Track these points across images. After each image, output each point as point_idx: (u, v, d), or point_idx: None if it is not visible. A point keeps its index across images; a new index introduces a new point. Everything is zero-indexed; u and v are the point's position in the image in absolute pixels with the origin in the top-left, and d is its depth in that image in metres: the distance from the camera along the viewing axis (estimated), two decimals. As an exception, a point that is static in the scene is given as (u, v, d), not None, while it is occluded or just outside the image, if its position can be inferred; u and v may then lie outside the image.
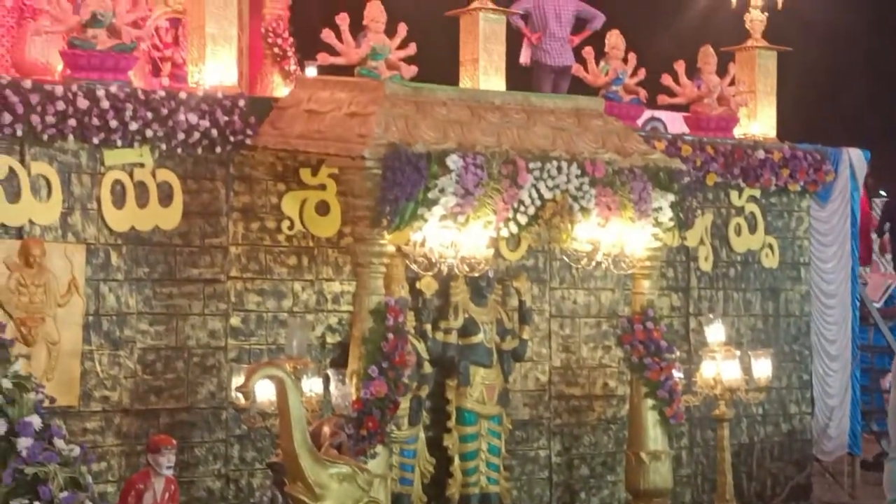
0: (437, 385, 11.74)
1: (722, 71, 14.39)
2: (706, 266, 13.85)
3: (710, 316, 13.13)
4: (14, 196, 10.39)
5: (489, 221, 10.47)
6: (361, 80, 11.59)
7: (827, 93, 19.56)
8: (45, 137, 10.49)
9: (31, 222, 10.47)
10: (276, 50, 16.72)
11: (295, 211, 11.54)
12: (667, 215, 11.15)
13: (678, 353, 12.25)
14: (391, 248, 10.47)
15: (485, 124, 10.86)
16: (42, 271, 10.36)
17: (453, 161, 10.18)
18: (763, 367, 12.68)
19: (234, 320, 11.33)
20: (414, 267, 10.74)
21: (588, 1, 15.30)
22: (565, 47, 14.97)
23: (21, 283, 10.26)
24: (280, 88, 16.32)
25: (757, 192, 14.21)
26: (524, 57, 15.22)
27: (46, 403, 8.06)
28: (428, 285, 11.51)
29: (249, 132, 11.28)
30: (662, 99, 14.36)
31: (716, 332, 12.62)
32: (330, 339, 11.68)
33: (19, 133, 10.38)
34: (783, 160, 14.22)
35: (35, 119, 10.39)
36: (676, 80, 14.14)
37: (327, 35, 12.07)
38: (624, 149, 11.30)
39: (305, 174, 11.54)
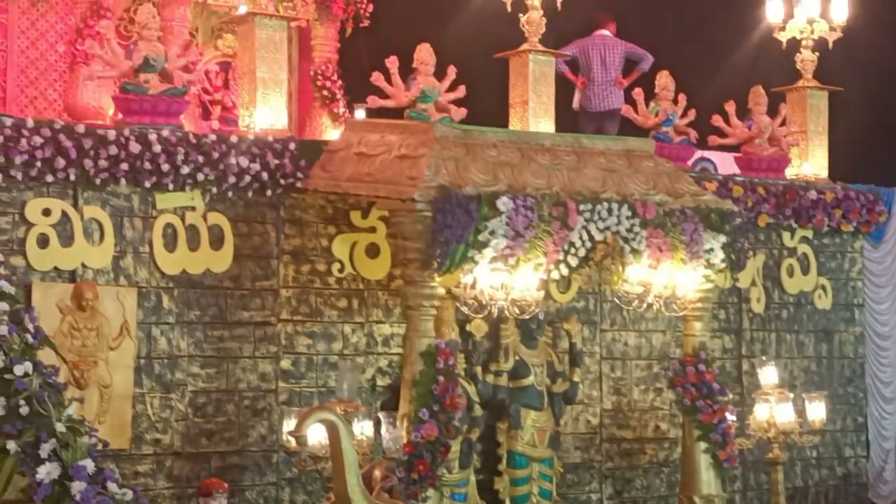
0: (487, 428, 11.72)
1: (773, 111, 14.36)
2: (758, 308, 13.80)
3: (763, 358, 13.09)
4: (67, 240, 10.49)
5: (540, 263, 10.45)
6: (411, 123, 11.64)
7: (879, 132, 19.41)
8: (98, 181, 10.59)
9: (83, 266, 10.56)
10: (325, 93, 16.86)
11: (345, 253, 11.59)
12: (718, 257, 11.10)
13: (731, 396, 12.14)
14: (441, 291, 10.47)
15: (535, 166, 10.86)
16: (94, 315, 10.43)
17: (504, 203, 10.17)
18: (817, 410, 12.60)
19: (285, 363, 11.37)
20: (464, 309, 10.73)
21: (637, 42, 15.35)
22: (610, 91, 15.05)
23: (74, 327, 10.33)
24: (329, 131, 16.43)
25: (809, 233, 14.15)
26: (574, 101, 15.31)
27: (99, 447, 8.10)
28: (478, 328, 11.51)
29: (300, 175, 11.34)
30: (713, 140, 14.36)
31: (769, 374, 12.57)
32: (380, 382, 11.69)
33: (72, 177, 10.48)
34: (836, 201, 14.17)
35: (88, 163, 10.49)
36: (727, 120, 14.15)
37: (377, 78, 12.16)
38: (675, 190, 11.28)
39: (356, 217, 11.59)
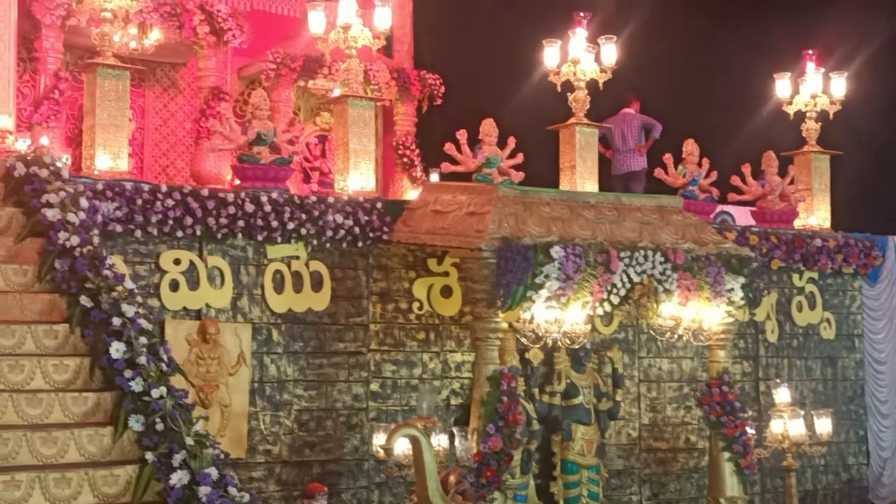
0: (544, 440, 11.59)
1: (783, 172, 14.27)
2: (772, 338, 13.65)
3: (777, 381, 12.94)
4: (194, 284, 10.60)
5: (587, 302, 10.43)
6: (478, 185, 11.65)
7: (874, 188, 19.23)
8: (219, 236, 10.70)
9: (207, 306, 10.66)
10: (405, 160, 16.90)
11: (423, 294, 11.61)
12: (738, 295, 11.01)
13: (750, 413, 11.99)
14: (504, 325, 10.45)
15: (582, 220, 10.84)
16: (216, 346, 10.51)
17: (556, 251, 10.16)
18: (824, 425, 12.43)
19: (374, 386, 11.38)
20: (523, 340, 10.73)
21: (665, 113, 15.33)
22: (629, 157, 15.12)
23: (199, 357, 10.42)
24: (409, 191, 16.46)
25: (815, 275, 14.00)
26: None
27: (221, 457, 8.12)
28: (535, 355, 11.44)
29: (385, 229, 11.38)
30: (732, 196, 14.29)
31: (782, 394, 12.42)
32: (454, 402, 11.67)
33: (198, 232, 10.60)
34: (837, 247, 14.02)
35: (211, 221, 10.61)
36: (744, 180, 14.07)
37: (449, 148, 12.21)
38: (700, 239, 11.21)
39: (432, 263, 11.61)
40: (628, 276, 10.52)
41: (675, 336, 11.17)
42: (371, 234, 11.34)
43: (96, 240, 9.22)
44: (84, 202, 9.56)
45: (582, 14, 13.02)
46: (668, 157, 13.51)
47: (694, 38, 19.16)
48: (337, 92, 13.10)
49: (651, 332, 11.67)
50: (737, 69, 18.67)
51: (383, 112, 16.68)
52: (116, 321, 8.42)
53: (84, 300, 8.60)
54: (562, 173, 13.30)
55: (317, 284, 11.14)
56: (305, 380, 11.07)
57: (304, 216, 11.01)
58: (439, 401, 11.46)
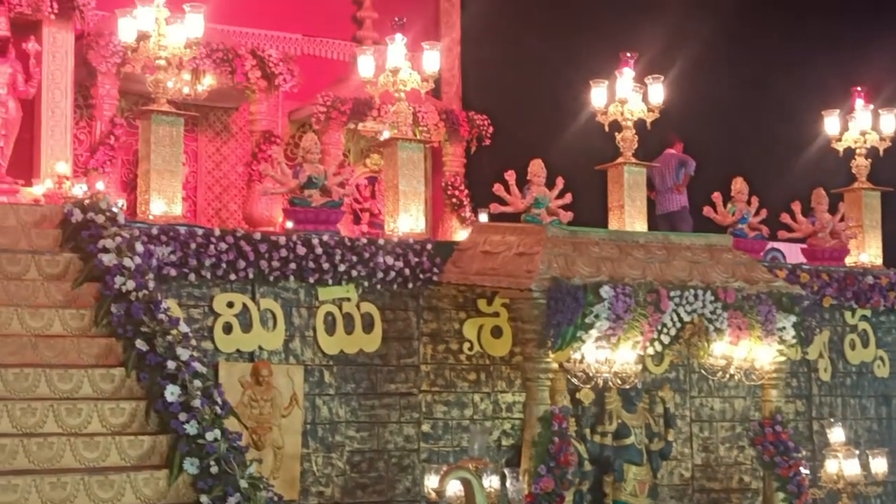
0: (596, 481, 11.54)
1: (833, 209, 14.16)
2: (825, 376, 13.49)
3: (831, 420, 12.80)
4: (247, 327, 10.66)
5: (637, 341, 10.39)
6: (527, 226, 11.68)
7: (925, 224, 19.05)
8: (272, 278, 10.77)
9: (260, 348, 10.71)
10: (454, 200, 16.96)
11: (474, 334, 11.60)
12: (790, 334, 10.91)
13: (804, 453, 11.87)
14: (555, 365, 10.45)
15: (631, 260, 10.82)
16: (269, 388, 10.54)
17: (606, 291, 10.15)
18: (880, 464, 12.28)
19: (425, 427, 11.36)
20: (574, 380, 10.70)
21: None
22: (669, 197, 15.14)
23: (253, 399, 10.46)
24: (458, 232, 16.51)
25: (868, 312, 13.83)
26: None
27: (275, 499, 8.15)
28: (586, 395, 11.42)
29: (435, 270, 11.40)
30: (782, 234, 14.18)
31: (837, 433, 12.30)
32: (505, 442, 11.60)
33: (251, 275, 10.67)
34: (890, 284, 13.85)
35: (263, 264, 10.68)
36: (794, 217, 13.97)
37: (498, 189, 12.24)
38: (751, 277, 11.15)
39: (482, 304, 11.60)
40: (679, 315, 10.48)
41: (727, 375, 11.08)
42: (421, 276, 11.36)
43: (151, 284, 9.33)
44: (139, 247, 9.70)
45: (629, 54, 13.04)
46: (716, 196, 13.46)
47: (741, 76, 19.11)
48: (386, 134, 13.18)
49: (702, 371, 11.59)
50: (785, 107, 18.58)
51: (432, 153, 16.75)
52: (171, 364, 8.52)
53: (140, 344, 8.70)
54: (610, 213, 13.29)
55: (368, 326, 11.16)
56: (357, 421, 11.07)
57: (355, 258, 11.05)
58: (490, 442, 11.42)
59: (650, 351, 10.65)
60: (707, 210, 13.55)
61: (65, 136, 14.10)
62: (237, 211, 16.45)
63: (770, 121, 19.04)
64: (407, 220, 12.08)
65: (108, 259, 9.34)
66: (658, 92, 13.10)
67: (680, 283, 10.62)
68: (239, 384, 10.40)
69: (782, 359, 11.18)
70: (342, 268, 10.98)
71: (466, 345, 11.56)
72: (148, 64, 11.70)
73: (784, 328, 10.89)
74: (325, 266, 10.90)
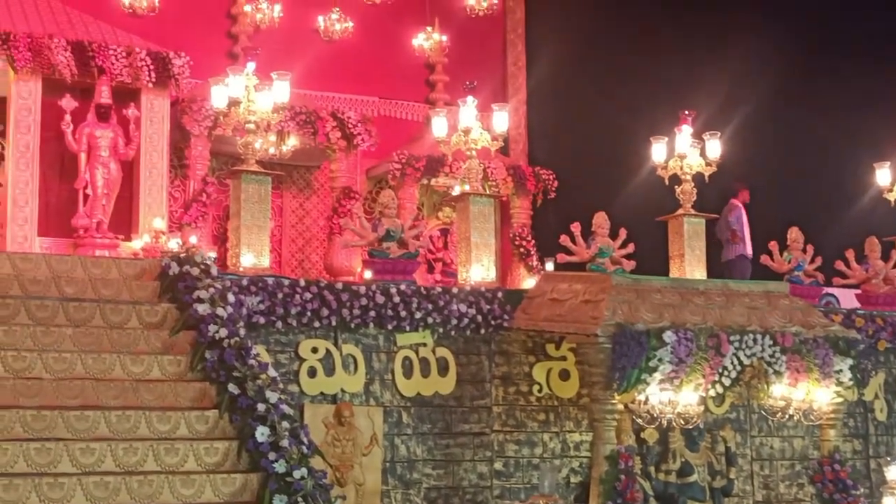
0: (660, 517, 11.47)
1: (885, 256, 13.94)
2: (881, 416, 13.23)
3: (888, 458, 12.56)
4: (330, 371, 10.73)
5: (699, 384, 10.33)
6: (592, 275, 11.66)
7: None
8: (353, 325, 10.84)
9: (342, 391, 10.77)
10: (521, 250, 17.02)
11: (543, 377, 11.56)
12: (846, 376, 10.78)
13: (862, 490, 11.66)
14: (620, 406, 10.40)
15: (692, 306, 10.76)
16: (351, 428, 10.58)
17: (668, 336, 10.11)
18: (936, 501, 11.99)
19: (498, 465, 11.33)
20: (639, 421, 10.63)
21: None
22: (727, 245, 15.03)
23: (336, 438, 10.49)
24: (525, 280, 16.54)
25: (922, 354, 13.61)
26: None
27: (357, 533, 8.21)
28: (651, 435, 11.32)
29: (506, 317, 11.39)
30: (836, 280, 14.00)
31: (893, 472, 12.01)
32: (573, 480, 11.53)
33: (333, 322, 10.76)
34: (941, 328, 13.62)
35: (345, 312, 10.76)
36: (847, 265, 13.79)
37: (564, 240, 12.25)
38: (807, 322, 11.03)
39: (550, 348, 11.57)
40: (738, 358, 10.40)
41: (786, 416, 10.96)
42: (493, 322, 11.37)
43: (242, 331, 9.43)
44: (231, 297, 9.84)
45: (687, 112, 13.05)
46: (773, 245, 13.35)
47: (795, 130, 18.99)
48: (457, 189, 13.29)
49: (762, 411, 11.48)
50: (838, 159, 18.43)
51: (500, 206, 16.84)
52: (261, 407, 8.58)
53: (232, 388, 8.78)
54: (671, 262, 13.23)
55: (443, 369, 11.19)
56: (433, 459, 11.07)
57: (430, 306, 11.10)
58: (560, 479, 11.34)
59: (712, 392, 10.56)
60: (764, 258, 13.44)
61: (161, 194, 14.42)
62: (319, 262, 16.63)
63: (824, 172, 18.88)
64: (479, 269, 12.13)
65: (202, 309, 9.48)
66: (715, 147, 13.07)
67: (739, 328, 10.54)
68: (323, 425, 10.45)
69: (839, 400, 11.04)
70: (419, 315, 11.04)
71: (536, 387, 11.53)
72: (238, 127, 11.94)
73: (841, 371, 10.77)
74: (403, 314, 10.96)
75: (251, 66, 11.58)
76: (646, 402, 10.39)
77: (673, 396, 10.36)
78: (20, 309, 9.30)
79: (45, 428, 8.18)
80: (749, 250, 15.29)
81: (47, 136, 13.93)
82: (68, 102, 13.90)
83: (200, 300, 9.57)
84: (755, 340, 10.46)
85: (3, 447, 7.87)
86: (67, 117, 13.89)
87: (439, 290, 11.33)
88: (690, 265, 12.97)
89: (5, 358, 8.71)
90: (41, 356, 8.84)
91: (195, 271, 9.97)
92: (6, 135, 14.10)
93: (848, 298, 16.05)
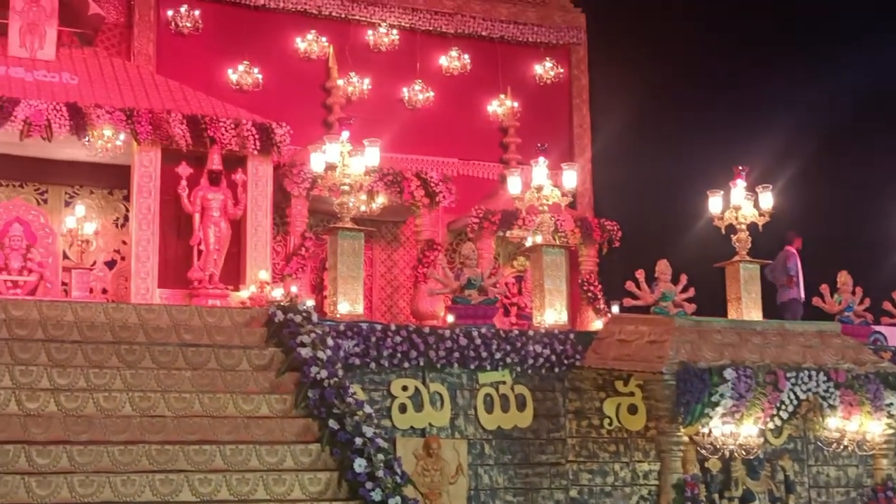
0: (724, 542, 11.25)
1: (929, 296, 13.68)
2: (931, 446, 12.89)
3: (939, 485, 12.18)
4: (419, 407, 10.76)
5: (758, 417, 10.18)
6: (657, 317, 11.57)
7: None
8: (439, 366, 10.86)
9: (430, 425, 10.77)
10: (589, 294, 16.92)
11: (613, 411, 11.47)
12: (897, 409, 10.57)
13: (915, 516, 11.35)
14: (685, 438, 10.28)
15: (750, 345, 10.63)
16: (438, 459, 10.58)
17: (729, 373, 10.00)
18: None
19: (573, 492, 11.21)
20: (703, 451, 10.49)
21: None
22: (781, 290, 14.82)
23: (425, 469, 10.50)
24: (594, 322, 16.44)
25: (967, 387, 13.21)
26: None
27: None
28: (714, 465, 11.12)
29: (578, 356, 11.34)
30: (885, 320, 13.71)
31: (944, 498, 11.70)
32: (642, 506, 11.45)
33: (421, 363, 10.79)
34: None
35: (432, 353, 10.79)
36: (894, 305, 13.53)
37: (629, 285, 12.18)
38: (859, 359, 10.82)
39: (619, 385, 11.48)
40: (795, 394, 10.25)
41: (841, 446, 10.73)
42: (566, 361, 11.33)
43: (340, 372, 9.51)
44: (330, 341, 9.94)
45: (741, 167, 12.97)
46: (824, 288, 13.15)
47: (843, 180, 18.74)
48: (530, 241, 13.28)
49: (818, 442, 11.24)
50: (882, 207, 18.12)
51: (569, 254, 16.78)
52: (359, 441, 8.64)
53: (332, 423, 8.85)
54: (729, 304, 13.06)
55: (521, 405, 11.15)
56: (514, 487, 10.98)
57: (508, 347, 11.09)
58: (630, 506, 11.25)
59: (770, 425, 10.40)
60: (816, 300, 13.22)
61: (265, 248, 14.63)
62: (406, 307, 16.70)
63: (870, 219, 18.57)
64: (552, 313, 12.09)
65: (305, 352, 9.59)
66: (768, 199, 12.94)
67: (795, 366, 10.39)
68: (413, 456, 10.46)
69: (891, 431, 10.79)
70: (498, 356, 11.04)
71: (606, 420, 11.44)
72: (333, 188, 12.10)
73: (892, 403, 10.55)
74: (484, 354, 10.98)
75: (346, 134, 11.76)
76: (709, 434, 10.26)
77: (734, 429, 10.22)
78: (145, 354, 9.49)
79: (167, 461, 8.32)
80: (802, 293, 15.06)
81: (166, 199, 14.22)
82: (184, 169, 14.21)
83: (303, 344, 9.68)
84: (810, 377, 10.30)
85: (131, 478, 8.02)
86: (183, 182, 14.19)
87: (517, 332, 11.32)
88: (747, 307, 12.80)
89: (133, 398, 8.89)
90: (164, 396, 9.00)
91: (298, 318, 10.09)
92: (130, 199, 14.44)
93: (894, 336, 15.72)
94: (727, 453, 10.45)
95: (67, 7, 14.74)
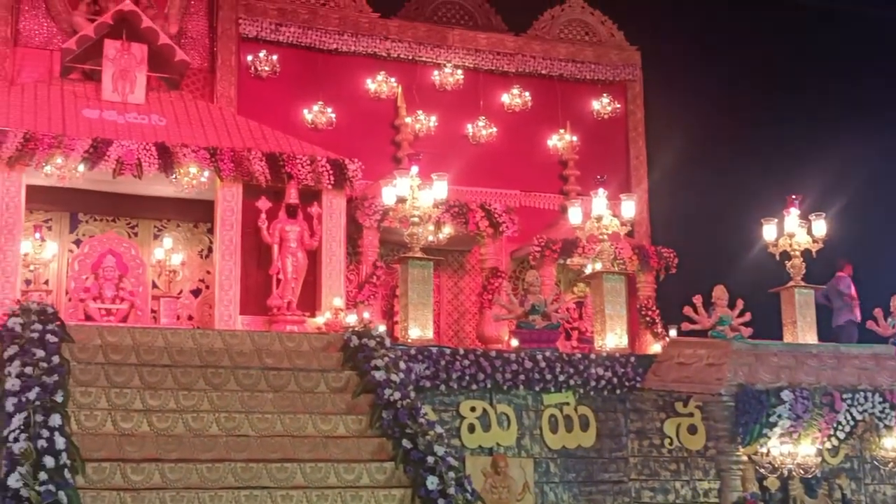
0: (784, 557, 11.04)
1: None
2: None
3: None
4: (486, 427, 10.73)
5: (815, 437, 10.01)
6: (714, 341, 11.42)
7: None
8: (505, 387, 10.84)
9: (497, 444, 10.74)
10: (647, 319, 16.75)
11: (673, 431, 11.35)
12: (953, 428, 10.29)
13: (972, 534, 11.05)
14: (744, 457, 10.15)
15: (807, 367, 10.45)
16: (506, 477, 10.54)
17: (786, 395, 9.85)
18: None
19: (635, 509, 11.15)
20: (762, 470, 10.34)
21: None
22: (838, 313, 14.57)
23: (493, 486, 10.47)
24: (652, 345, 16.26)
25: None
26: None
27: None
28: (773, 483, 10.98)
29: (638, 379, 11.26)
30: (939, 342, 13.39)
31: None
32: (704, 524, 11.27)
33: (488, 385, 10.79)
34: None
35: (499, 376, 10.78)
36: (948, 327, 13.20)
37: (687, 310, 12.05)
38: (913, 381, 10.60)
39: (679, 406, 11.37)
40: (851, 414, 10.07)
41: (897, 465, 10.49)
42: (627, 383, 11.25)
43: (412, 394, 9.53)
44: (402, 364, 9.97)
45: (794, 196, 12.80)
46: (878, 311, 12.89)
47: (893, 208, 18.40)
48: (589, 268, 13.21)
49: (875, 461, 11.00)
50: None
51: (628, 280, 16.64)
52: (430, 459, 8.63)
53: (405, 443, 8.85)
54: (785, 328, 12.83)
55: (584, 425, 11.08)
56: (578, 504, 10.94)
57: (571, 370, 11.05)
58: (694, 523, 11.08)
59: (827, 445, 10.22)
60: (870, 324, 12.97)
61: (339, 277, 14.72)
62: (472, 332, 16.68)
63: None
64: (612, 337, 11.99)
65: (379, 375, 9.62)
66: (821, 227, 12.75)
67: (851, 387, 10.21)
68: (482, 474, 10.45)
69: (947, 450, 10.51)
70: (562, 378, 10.99)
71: (667, 440, 11.33)
72: (402, 220, 12.17)
73: (947, 424, 10.27)
74: (548, 377, 10.94)
75: (415, 169, 11.83)
76: (768, 454, 10.10)
77: (792, 448, 10.05)
78: (230, 377, 9.60)
79: (252, 478, 8.38)
80: (858, 315, 14.75)
81: (247, 231, 14.38)
82: (263, 203, 14.38)
83: (377, 368, 9.72)
84: (866, 398, 10.11)
85: (218, 494, 8.10)
86: (263, 215, 14.35)
87: (579, 355, 11.26)
88: (802, 331, 12.57)
89: (219, 418, 8.99)
90: (248, 417, 9.09)
91: (372, 343, 10.14)
92: (214, 231, 14.65)
93: (949, 358, 15.33)
94: (785, 472, 10.26)
95: (156, 54, 15.08)
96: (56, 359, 8.58)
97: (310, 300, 14.49)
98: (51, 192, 14.08)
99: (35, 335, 8.79)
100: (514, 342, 11.97)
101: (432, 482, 8.42)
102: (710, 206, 17.90)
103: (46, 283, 14.28)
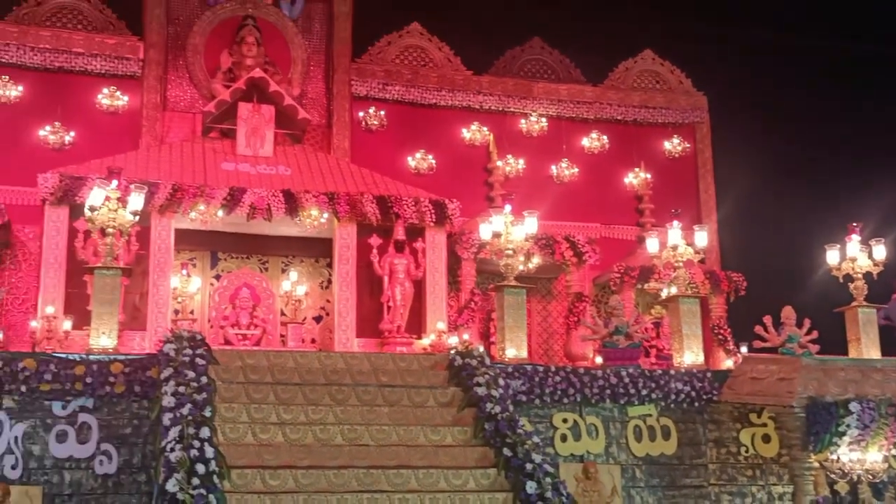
0: (856, 557, 10.64)
1: None
2: None
3: None
4: (577, 437, 10.64)
5: (882, 445, 9.65)
6: (784, 357, 11.11)
7: None
8: (593, 401, 10.74)
9: (587, 452, 10.64)
10: (720, 337, 16.41)
11: (748, 440, 11.08)
12: None
13: None
14: (816, 464, 9.87)
15: (872, 381, 10.10)
16: (596, 482, 10.43)
17: (854, 406, 9.55)
18: None
19: (714, 512, 10.90)
20: (832, 475, 10.02)
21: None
22: None
23: (584, 490, 10.36)
24: (725, 361, 15.92)
25: None
26: None
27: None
28: (843, 487, 10.61)
29: (714, 392, 11.04)
30: None
31: None
32: (778, 525, 10.94)
33: (578, 399, 10.70)
34: None
35: (587, 390, 10.69)
36: None
37: (758, 329, 11.80)
38: (975, 392, 10.14)
39: (753, 417, 11.09)
40: (916, 424, 9.66)
41: (962, 471, 10.04)
42: (704, 396, 11.05)
43: (510, 407, 9.52)
44: (501, 381, 9.97)
45: (855, 224, 12.46)
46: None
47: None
48: (665, 292, 13.03)
49: (940, 467, 10.54)
50: None
51: (701, 302, 16.35)
52: (528, 466, 8.62)
53: (506, 451, 8.85)
54: (850, 345, 12.45)
55: (666, 435, 10.91)
56: (662, 507, 10.75)
57: (653, 385, 10.91)
58: (767, 524, 10.77)
59: (893, 452, 9.83)
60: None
61: (442, 303, 14.82)
62: (559, 351, 16.57)
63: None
64: (690, 355, 11.79)
65: (481, 391, 9.64)
66: (880, 251, 12.35)
67: (915, 398, 9.81)
68: (574, 479, 10.35)
69: None
70: (644, 392, 10.86)
71: (743, 448, 11.06)
72: (498, 252, 12.20)
73: None
74: (632, 391, 10.82)
75: (508, 207, 11.89)
76: (837, 461, 9.80)
77: (860, 455, 9.73)
78: (351, 394, 9.75)
79: (372, 482, 8.49)
80: None
81: (361, 264, 14.61)
82: (375, 240, 14.59)
83: (479, 384, 9.75)
84: (929, 408, 9.69)
85: (344, 497, 8.23)
86: (374, 251, 14.57)
87: (660, 372, 11.10)
88: (866, 347, 12.18)
89: (343, 430, 9.13)
90: (367, 428, 9.21)
91: (473, 362, 10.18)
92: (332, 265, 14.92)
93: None
94: (854, 477, 9.92)
95: (282, 114, 15.52)
96: (204, 379, 8.84)
97: (416, 324, 14.62)
98: (195, 234, 14.56)
99: (186, 358, 9.07)
100: (600, 360, 11.85)
101: (531, 487, 8.40)
102: (776, 233, 17.54)
103: (192, 312, 14.73)
